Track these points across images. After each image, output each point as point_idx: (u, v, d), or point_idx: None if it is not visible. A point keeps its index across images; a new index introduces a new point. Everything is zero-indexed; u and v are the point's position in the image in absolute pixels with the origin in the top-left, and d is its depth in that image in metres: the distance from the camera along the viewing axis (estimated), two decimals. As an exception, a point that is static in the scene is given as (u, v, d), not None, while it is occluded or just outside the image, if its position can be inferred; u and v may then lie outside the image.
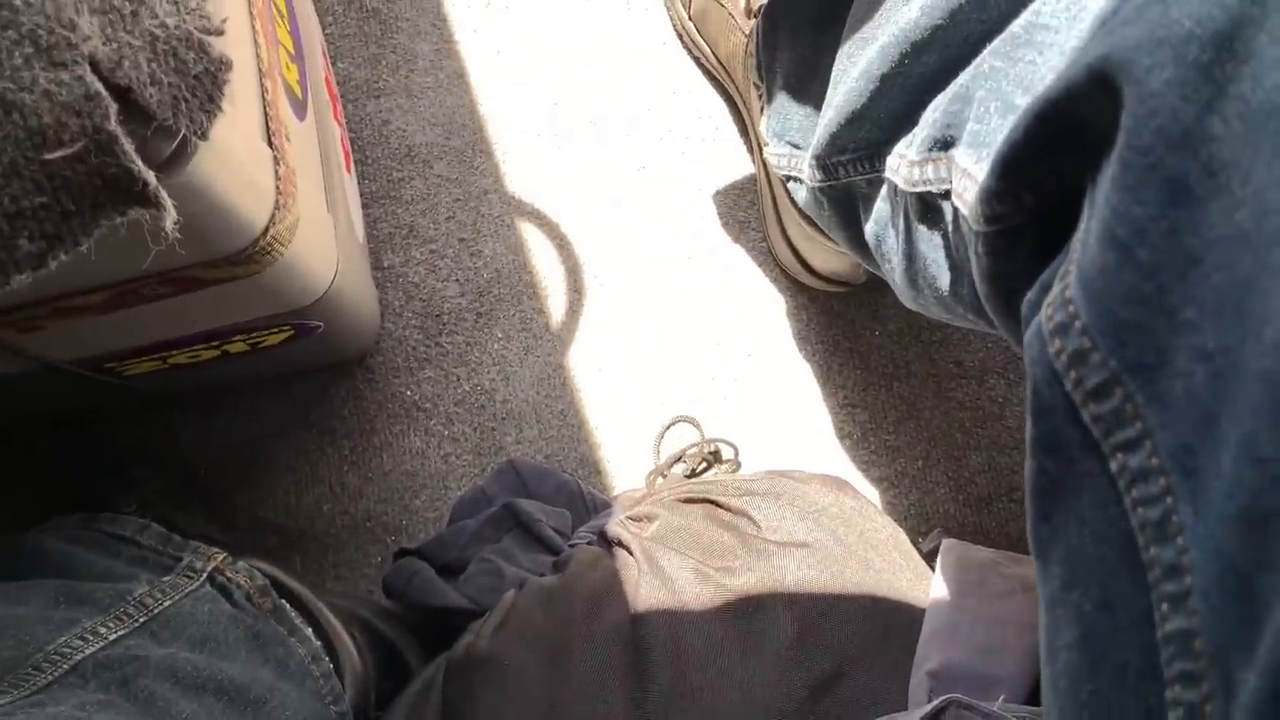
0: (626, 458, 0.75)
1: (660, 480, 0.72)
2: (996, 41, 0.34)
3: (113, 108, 0.31)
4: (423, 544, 0.67)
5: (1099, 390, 0.23)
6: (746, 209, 0.79)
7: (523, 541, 0.67)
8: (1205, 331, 0.21)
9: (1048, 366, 0.25)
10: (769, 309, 0.78)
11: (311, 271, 0.52)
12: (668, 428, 0.75)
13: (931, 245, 0.42)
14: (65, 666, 0.38)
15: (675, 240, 0.78)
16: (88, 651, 0.39)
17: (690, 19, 0.78)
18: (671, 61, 0.81)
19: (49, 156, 0.31)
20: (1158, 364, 0.22)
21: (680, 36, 0.81)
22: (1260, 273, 0.20)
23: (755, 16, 0.70)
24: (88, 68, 0.31)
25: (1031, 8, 0.33)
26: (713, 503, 0.58)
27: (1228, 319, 0.21)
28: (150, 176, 0.33)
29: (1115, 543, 0.24)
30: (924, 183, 0.40)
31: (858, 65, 0.50)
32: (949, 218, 0.38)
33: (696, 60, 0.81)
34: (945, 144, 0.38)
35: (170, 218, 0.34)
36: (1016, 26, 0.33)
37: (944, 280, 0.41)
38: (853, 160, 0.53)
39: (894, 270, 0.53)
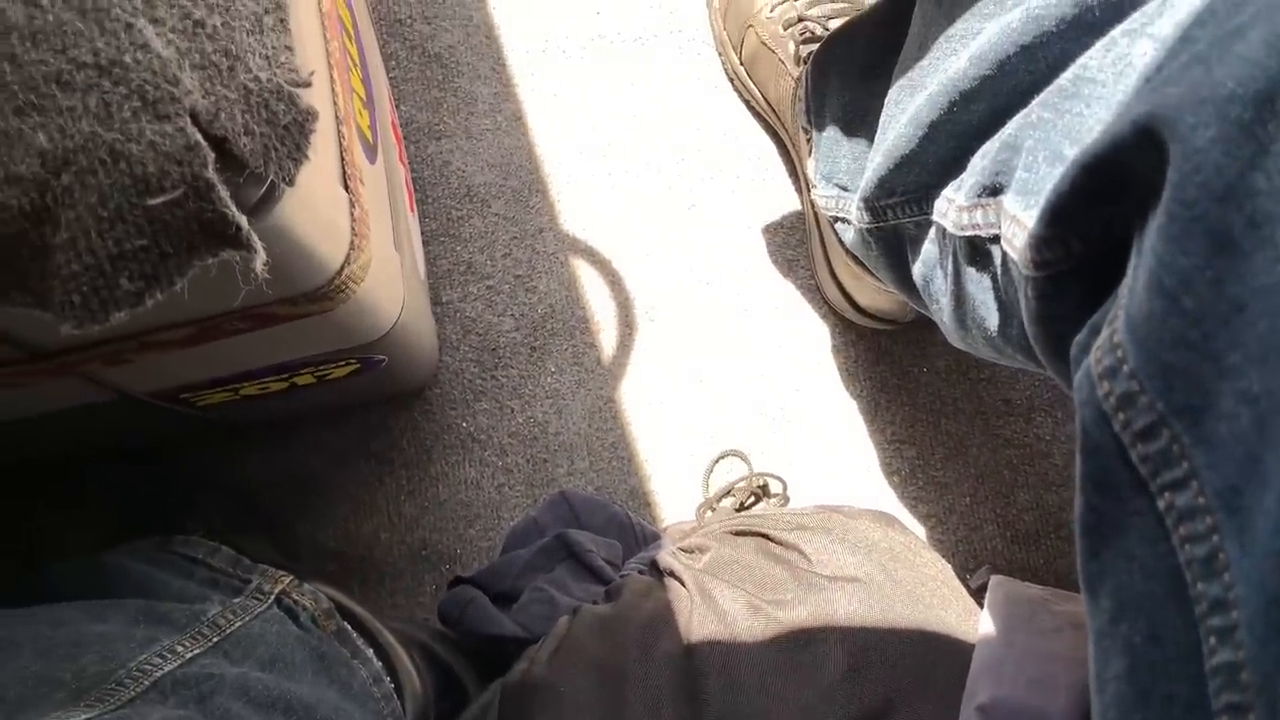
0: (675, 490, 0.77)
1: (709, 513, 0.73)
2: (1045, 93, 0.36)
3: (210, 157, 0.34)
4: (477, 572, 0.69)
5: (1147, 431, 0.25)
6: (795, 248, 0.81)
7: (575, 571, 0.69)
8: (1250, 376, 0.22)
9: (1096, 408, 0.26)
10: (817, 345, 0.79)
11: (379, 308, 0.54)
12: (716, 461, 0.76)
13: (980, 287, 0.43)
14: (146, 683, 0.40)
15: (724, 277, 0.80)
16: (166, 669, 0.41)
17: (741, 64, 0.80)
18: (723, 104, 0.83)
19: (151, 203, 0.34)
20: (1204, 407, 0.23)
21: (731, 80, 0.83)
22: None
23: (804, 63, 0.72)
24: (189, 120, 0.33)
25: (1079, 62, 0.35)
26: (764, 536, 0.59)
27: (1271, 364, 0.22)
28: (243, 221, 0.35)
29: (1163, 578, 0.25)
30: (973, 227, 0.41)
31: (906, 112, 0.52)
32: (997, 261, 0.40)
33: (747, 103, 0.83)
34: (994, 190, 0.39)
35: (260, 259, 0.37)
36: (1064, 79, 0.34)
37: (993, 322, 0.43)
38: (901, 203, 0.54)
39: (942, 310, 0.54)
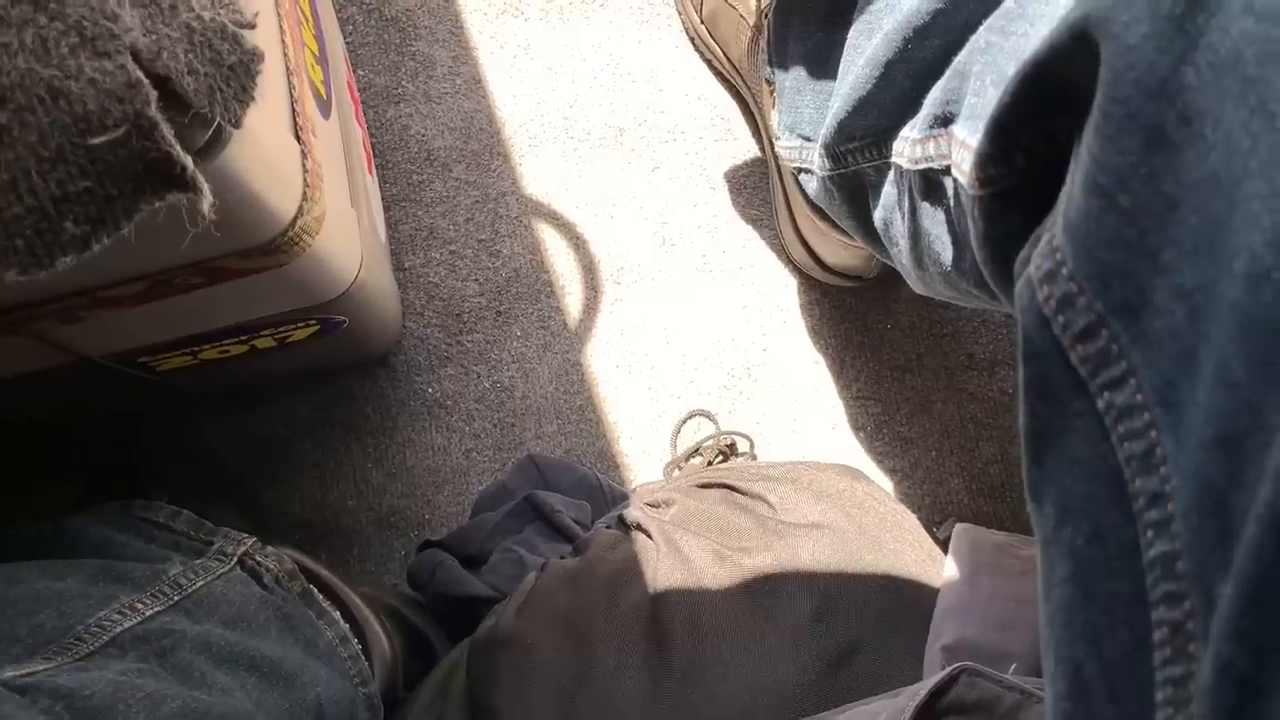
0: (644, 452, 0.77)
1: (677, 472, 0.73)
2: (991, 18, 0.36)
3: (153, 95, 0.33)
4: (446, 536, 0.69)
5: (1085, 332, 0.25)
6: (759, 206, 0.81)
7: (544, 532, 0.69)
8: (1183, 271, 0.23)
9: (1037, 313, 0.26)
10: (782, 304, 0.79)
11: (337, 265, 0.54)
12: (684, 421, 0.77)
13: (935, 221, 0.43)
14: (105, 638, 0.39)
15: (689, 238, 0.80)
16: (125, 625, 0.41)
17: (702, 22, 0.80)
18: (684, 64, 0.83)
19: (93, 141, 0.33)
20: (1140, 305, 0.24)
21: (692, 40, 0.83)
22: (1231, 211, 0.21)
23: (765, 15, 0.72)
24: (129, 57, 0.33)
25: None
26: (729, 488, 0.59)
27: (1203, 258, 0.22)
28: (188, 160, 0.35)
29: (1104, 479, 0.25)
30: (925, 159, 0.41)
31: (863, 54, 0.52)
32: (950, 192, 0.40)
33: (709, 63, 0.83)
34: (945, 120, 0.39)
35: (207, 201, 0.36)
36: (1010, 1, 0.35)
37: (947, 255, 0.43)
38: (861, 147, 0.54)
39: (901, 253, 0.54)
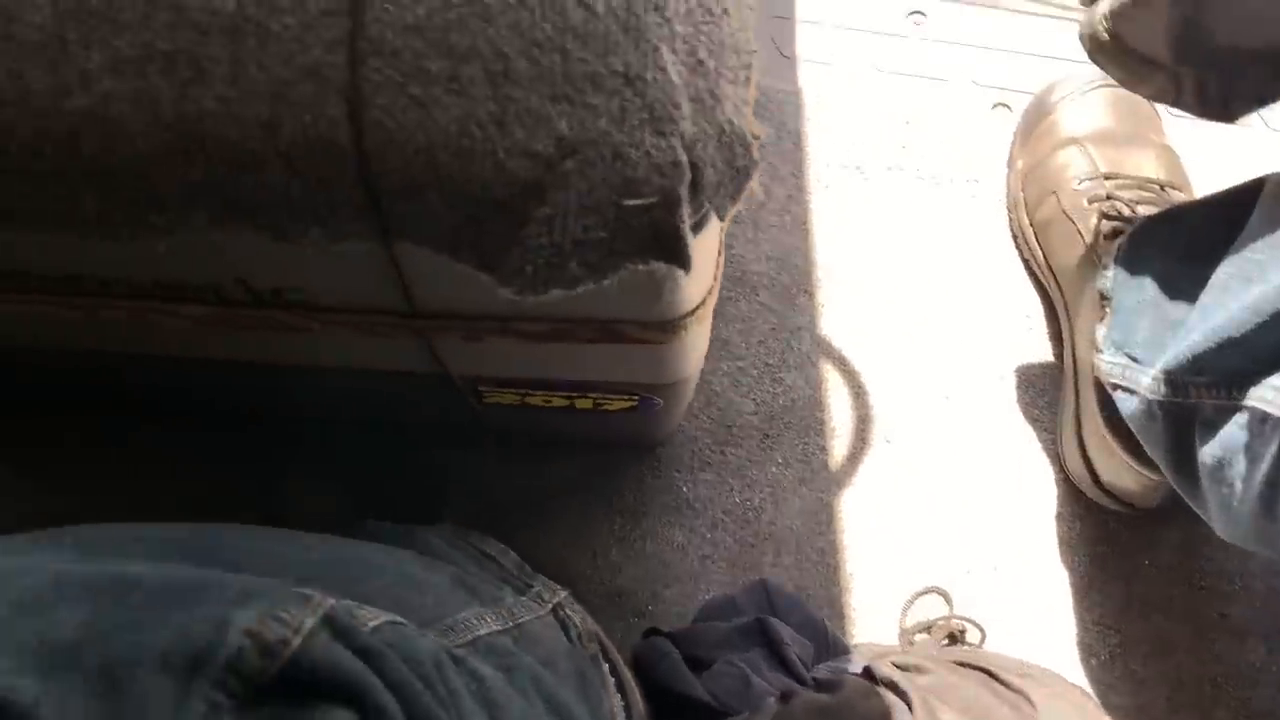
0: (871, 611, 0.77)
1: (911, 643, 0.73)
2: None
3: (688, 177, 0.38)
4: (675, 630, 0.70)
5: None
6: (1043, 408, 0.81)
7: (768, 659, 0.69)
8: None
9: None
10: (1043, 509, 0.79)
11: (691, 354, 0.58)
12: (921, 594, 0.77)
13: None
14: (469, 637, 0.42)
15: (967, 418, 0.81)
16: (481, 632, 0.43)
17: (1031, 224, 0.83)
18: (999, 256, 0.86)
19: (627, 203, 0.38)
20: None
21: (1015, 236, 0.86)
22: None
23: (1104, 237, 0.74)
24: (679, 140, 0.38)
25: None
26: (989, 674, 0.59)
27: None
28: (690, 238, 0.39)
29: None
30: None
31: (1239, 299, 0.53)
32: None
33: (1025, 261, 0.85)
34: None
35: (683, 275, 0.40)
36: None
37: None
38: (1210, 384, 0.55)
39: (1233, 496, 0.54)
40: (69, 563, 0.28)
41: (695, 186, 0.39)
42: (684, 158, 0.38)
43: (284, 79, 0.36)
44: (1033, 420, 0.81)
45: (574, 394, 0.63)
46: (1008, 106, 0.93)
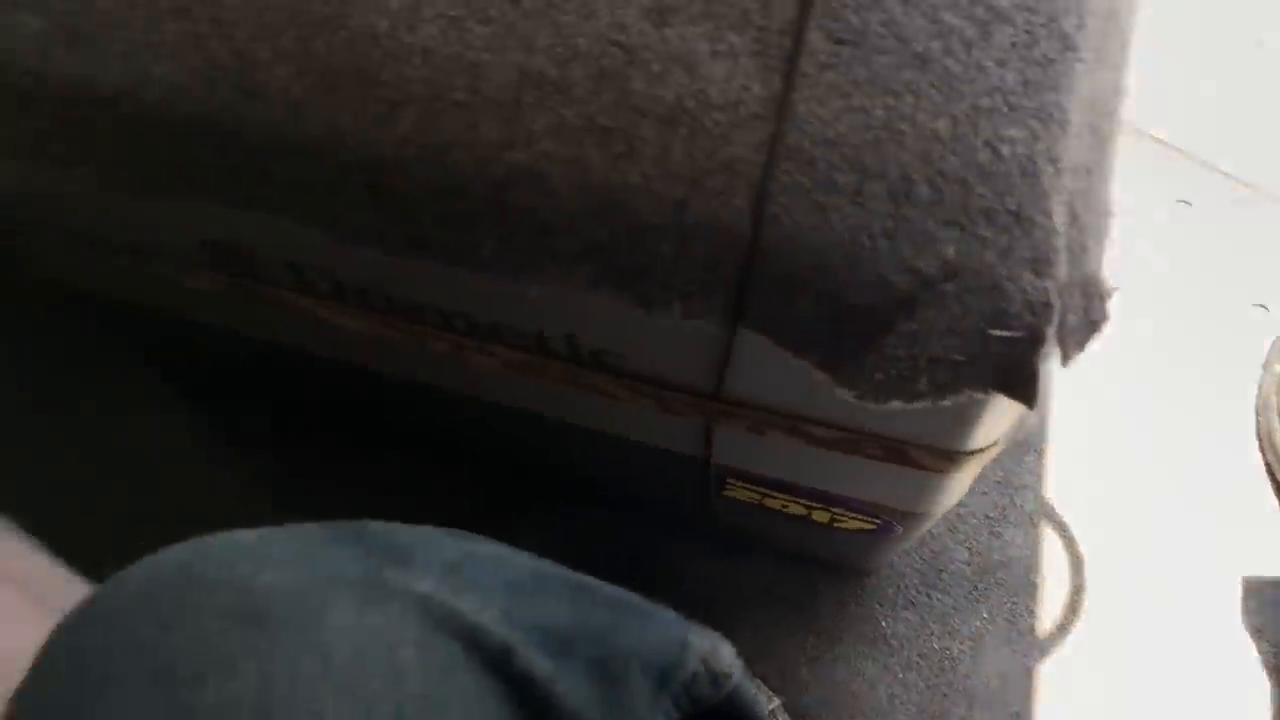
0: (1059, 791, 0.74)
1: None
2: None
3: (1055, 321, 0.39)
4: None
5: None
6: (1267, 619, 0.78)
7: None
8: None
9: None
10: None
11: (956, 489, 0.59)
12: (1115, 785, 0.73)
13: None
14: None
15: (1185, 614, 0.78)
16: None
17: (1283, 428, 0.81)
18: (1242, 457, 0.84)
19: (993, 333, 0.39)
20: None
21: (1260, 439, 0.83)
22: None
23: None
24: (1053, 283, 0.39)
25: None
26: None
27: None
28: (1043, 379, 0.40)
29: None
30: None
31: None
32: None
33: (1267, 464, 0.83)
34: None
35: (1017, 412, 0.42)
36: None
37: None
38: None
39: None
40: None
41: (1057, 330, 0.41)
42: (1056, 301, 0.39)
43: (704, 168, 0.40)
44: (1254, 631, 0.78)
45: (816, 504, 0.64)
46: (1265, 307, 0.91)
